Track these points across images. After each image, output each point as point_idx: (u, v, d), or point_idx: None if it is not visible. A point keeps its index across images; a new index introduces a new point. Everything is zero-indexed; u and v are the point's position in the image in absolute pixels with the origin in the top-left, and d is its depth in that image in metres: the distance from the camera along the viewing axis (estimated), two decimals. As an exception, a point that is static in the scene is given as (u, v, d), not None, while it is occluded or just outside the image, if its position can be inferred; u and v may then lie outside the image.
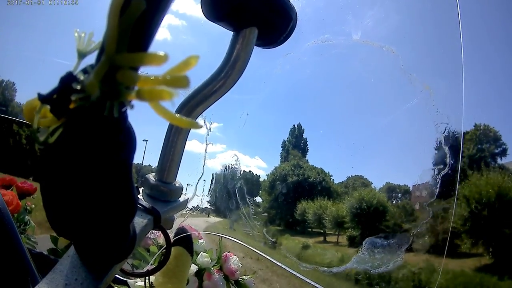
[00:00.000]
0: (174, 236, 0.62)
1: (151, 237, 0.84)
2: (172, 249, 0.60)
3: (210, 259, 0.78)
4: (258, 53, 0.38)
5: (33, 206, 1.17)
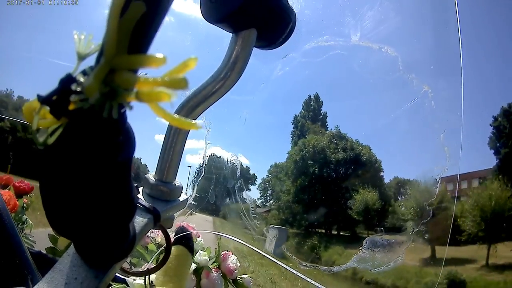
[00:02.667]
0: (175, 235, 0.62)
1: (150, 235, 0.84)
2: (173, 249, 0.60)
3: (209, 257, 0.78)
4: (257, 54, 0.38)
5: (29, 203, 1.17)
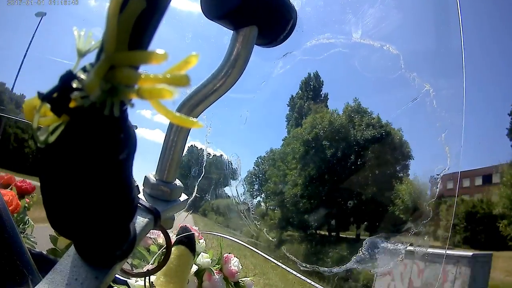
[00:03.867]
0: (176, 236, 0.62)
1: (151, 236, 0.84)
2: (174, 249, 0.60)
3: (211, 259, 0.78)
4: (257, 51, 0.38)
5: (31, 203, 1.17)
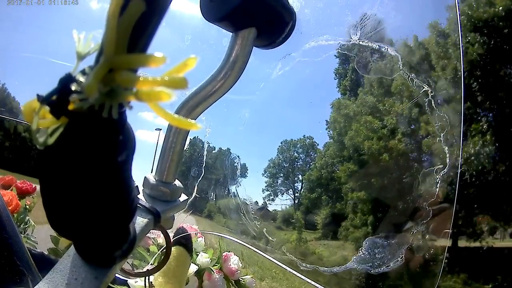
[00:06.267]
0: (174, 236, 0.62)
1: (151, 236, 0.84)
2: (172, 249, 0.60)
3: (210, 259, 0.78)
4: (256, 53, 0.38)
5: (32, 204, 1.17)
